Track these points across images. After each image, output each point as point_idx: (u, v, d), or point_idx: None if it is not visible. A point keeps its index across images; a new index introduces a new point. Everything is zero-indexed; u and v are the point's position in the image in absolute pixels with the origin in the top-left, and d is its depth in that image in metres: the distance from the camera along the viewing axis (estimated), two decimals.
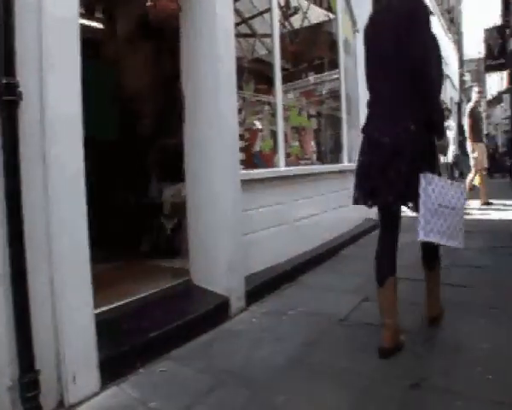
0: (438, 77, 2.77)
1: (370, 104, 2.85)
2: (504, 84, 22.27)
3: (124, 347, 2.64)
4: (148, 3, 3.55)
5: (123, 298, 3.12)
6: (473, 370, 2.43)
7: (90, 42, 5.38)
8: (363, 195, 2.72)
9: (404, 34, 2.51)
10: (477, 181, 9.18)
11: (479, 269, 4.39)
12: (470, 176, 9.22)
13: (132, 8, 5.15)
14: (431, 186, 2.55)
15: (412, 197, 2.59)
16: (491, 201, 9.23)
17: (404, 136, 2.54)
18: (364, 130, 2.78)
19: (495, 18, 21.24)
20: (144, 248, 4.72)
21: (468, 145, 9.11)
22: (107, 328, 2.59)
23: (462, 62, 23.71)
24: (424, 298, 3.08)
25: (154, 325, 2.88)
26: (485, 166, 9.28)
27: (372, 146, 2.67)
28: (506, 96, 20.90)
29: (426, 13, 2.59)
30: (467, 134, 9.16)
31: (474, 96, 9.50)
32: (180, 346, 2.89)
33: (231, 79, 3.61)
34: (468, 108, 9.29)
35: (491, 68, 18.04)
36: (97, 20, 5.97)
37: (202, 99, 3.50)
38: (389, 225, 2.82)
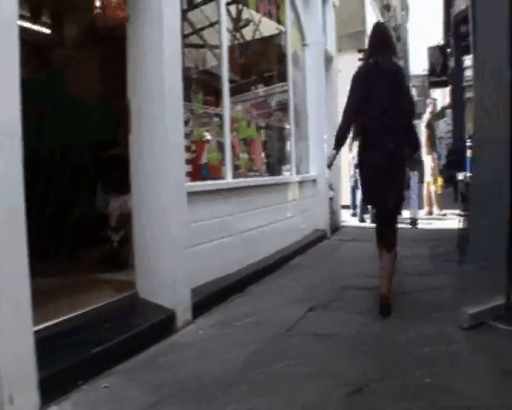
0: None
1: (365, 133, 3.88)
2: (447, 100, 23.19)
3: (65, 363, 2.56)
4: (97, 10, 3.48)
5: (66, 313, 3.04)
6: (413, 373, 2.52)
7: (36, 47, 5.32)
8: (367, 197, 4.35)
9: (394, 85, 3.75)
10: (438, 188, 9.56)
11: (422, 276, 4.61)
12: (432, 186, 9.54)
13: (81, 14, 5.05)
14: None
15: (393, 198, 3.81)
16: (432, 210, 9.61)
17: (393, 159, 3.71)
18: (363, 153, 3.94)
19: (439, 36, 22.15)
20: (90, 261, 4.62)
21: (424, 155, 9.45)
22: (48, 345, 2.52)
23: (408, 78, 24.57)
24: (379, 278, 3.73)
25: (97, 340, 2.82)
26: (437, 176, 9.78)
27: (370, 166, 3.82)
28: (448, 112, 21.74)
29: (403, 70, 4.22)
30: (423, 144, 9.48)
31: (429, 108, 9.88)
32: (125, 361, 2.84)
33: (178, 91, 3.61)
34: (424, 119, 9.63)
35: (434, 85, 18.81)
36: (44, 24, 5.83)
37: (148, 110, 3.48)
38: (382, 217, 3.98)
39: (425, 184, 9.68)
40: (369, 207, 8.62)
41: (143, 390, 2.50)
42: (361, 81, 3.92)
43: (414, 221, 8.17)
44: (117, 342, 2.88)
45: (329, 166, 4.26)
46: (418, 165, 8.58)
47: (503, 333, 3.01)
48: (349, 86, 3.99)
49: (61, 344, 2.72)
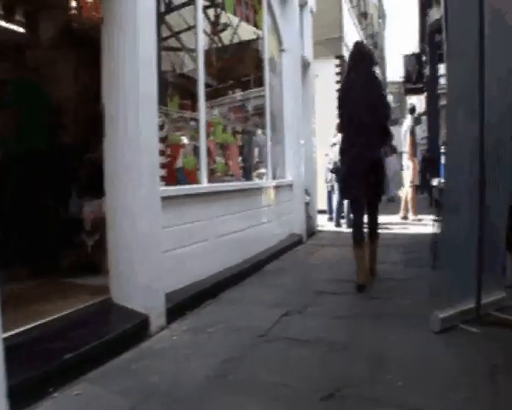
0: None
1: (351, 136, 4.53)
2: (423, 107, 23.52)
3: (36, 371, 2.52)
4: (72, 11, 3.44)
5: (38, 319, 2.99)
6: (386, 376, 2.55)
7: (11, 46, 5.22)
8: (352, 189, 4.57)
9: (374, 93, 4.58)
10: (409, 195, 9.68)
11: (397, 281, 4.66)
12: (409, 191, 9.66)
13: (57, 13, 4.98)
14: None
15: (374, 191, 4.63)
16: (407, 215, 9.75)
17: (375, 158, 4.51)
18: (349, 153, 4.53)
19: (415, 44, 22.50)
20: (64, 265, 4.55)
21: (406, 160, 9.57)
22: (18, 352, 2.48)
23: (385, 85, 24.92)
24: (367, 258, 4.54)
25: (69, 347, 2.77)
26: (416, 182, 9.97)
27: (356, 164, 4.43)
28: (424, 118, 22.06)
29: (380, 80, 4.95)
30: (406, 150, 9.62)
31: (411, 115, 10.03)
32: (97, 367, 2.81)
33: (153, 94, 3.58)
34: (409, 125, 9.73)
35: (409, 92, 19.17)
36: (18, 23, 5.73)
37: (122, 114, 3.44)
38: (358, 209, 4.62)
39: (404, 189, 9.82)
40: (345, 212, 8.75)
41: (117, 397, 2.48)
42: (347, 93, 4.70)
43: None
44: (90, 348, 2.84)
45: None
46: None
47: (474, 335, 3.06)
48: (337, 103, 4.73)
49: (32, 351, 2.69)
